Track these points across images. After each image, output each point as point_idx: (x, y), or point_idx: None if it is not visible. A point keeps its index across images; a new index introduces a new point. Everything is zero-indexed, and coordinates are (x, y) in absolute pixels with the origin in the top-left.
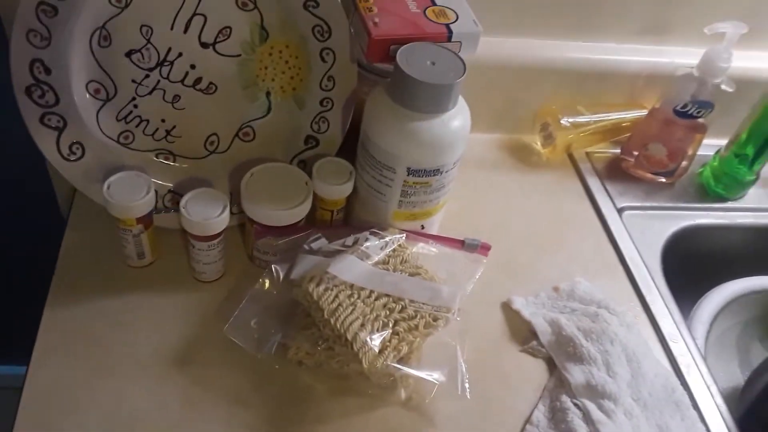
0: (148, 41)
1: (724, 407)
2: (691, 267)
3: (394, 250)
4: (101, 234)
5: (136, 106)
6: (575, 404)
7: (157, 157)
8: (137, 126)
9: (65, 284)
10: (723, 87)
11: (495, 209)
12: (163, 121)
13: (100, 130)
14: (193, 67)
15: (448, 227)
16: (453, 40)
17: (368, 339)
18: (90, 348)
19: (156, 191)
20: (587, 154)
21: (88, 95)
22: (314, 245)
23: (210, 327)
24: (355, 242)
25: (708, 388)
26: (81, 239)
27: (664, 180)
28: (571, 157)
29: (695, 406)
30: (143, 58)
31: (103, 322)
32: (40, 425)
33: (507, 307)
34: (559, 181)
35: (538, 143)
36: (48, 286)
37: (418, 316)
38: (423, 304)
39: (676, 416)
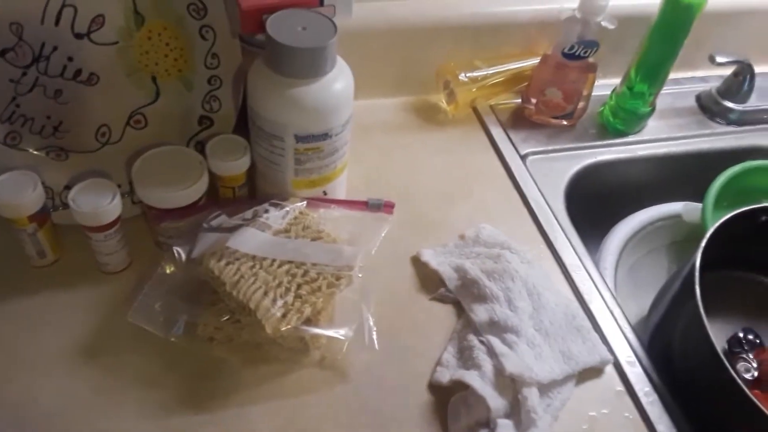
0: (20, 38)
1: (628, 328)
2: (599, 202)
3: (295, 218)
4: (2, 239)
5: (18, 106)
6: (480, 341)
7: (47, 154)
8: (23, 125)
9: None
10: (604, 24)
11: (402, 170)
12: (48, 117)
13: None
14: (70, 59)
15: (357, 191)
16: (326, 4)
17: (271, 305)
18: None
19: (52, 189)
20: (491, 106)
21: None
22: (214, 222)
23: (118, 317)
24: (255, 215)
25: (611, 312)
26: None
27: (565, 123)
28: (476, 111)
29: (597, 329)
30: (17, 56)
31: (9, 325)
32: None
33: (417, 260)
34: (465, 136)
35: (444, 101)
36: None
37: (321, 278)
38: (325, 265)
39: (578, 340)
